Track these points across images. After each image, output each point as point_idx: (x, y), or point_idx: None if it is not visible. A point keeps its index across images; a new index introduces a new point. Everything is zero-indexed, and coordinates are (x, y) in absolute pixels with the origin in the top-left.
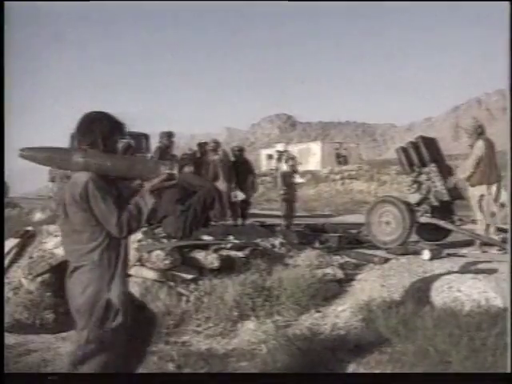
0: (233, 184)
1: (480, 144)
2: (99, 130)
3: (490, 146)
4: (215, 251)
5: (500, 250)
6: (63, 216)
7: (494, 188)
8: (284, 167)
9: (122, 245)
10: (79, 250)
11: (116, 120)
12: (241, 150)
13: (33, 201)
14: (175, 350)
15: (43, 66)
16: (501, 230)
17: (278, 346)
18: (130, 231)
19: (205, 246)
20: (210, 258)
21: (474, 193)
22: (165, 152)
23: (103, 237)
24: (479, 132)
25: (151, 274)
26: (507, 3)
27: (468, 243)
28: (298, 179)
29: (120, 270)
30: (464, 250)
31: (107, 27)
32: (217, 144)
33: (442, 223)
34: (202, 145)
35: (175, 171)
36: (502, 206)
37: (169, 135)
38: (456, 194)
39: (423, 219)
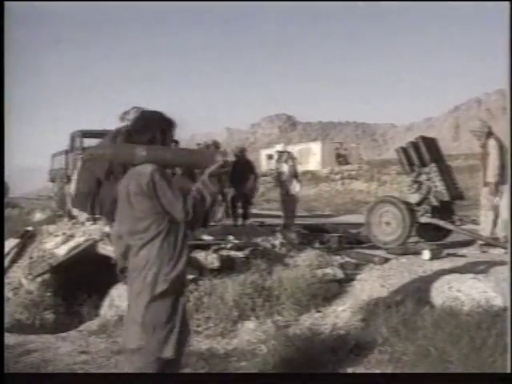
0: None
1: (493, 143)
2: (157, 126)
3: (500, 145)
4: (215, 251)
5: (503, 249)
6: (126, 205)
7: (505, 188)
8: (285, 167)
9: (181, 230)
10: (142, 236)
11: (168, 117)
12: (242, 150)
13: (33, 201)
14: None
15: (43, 65)
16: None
17: (278, 345)
18: (195, 215)
19: (205, 246)
20: (210, 258)
21: (485, 193)
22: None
23: (165, 223)
24: (488, 132)
25: None
26: (507, 3)
27: (468, 243)
28: (295, 187)
29: (178, 253)
30: (464, 250)
31: (107, 27)
32: (217, 145)
33: (442, 223)
34: (200, 146)
35: (229, 158)
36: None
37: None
38: (456, 193)
39: (423, 219)
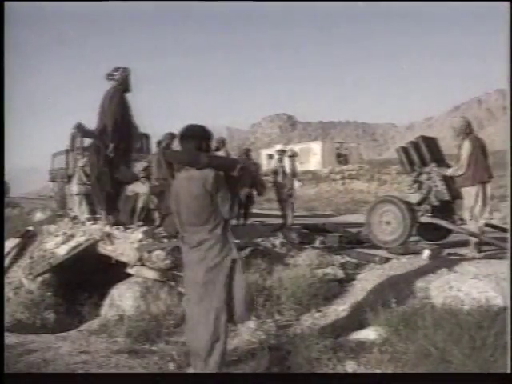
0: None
1: (466, 145)
2: (202, 136)
3: (478, 145)
4: None
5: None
6: (189, 201)
7: (487, 188)
8: (286, 167)
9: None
10: (200, 229)
11: (209, 130)
12: (247, 151)
13: (33, 201)
14: (176, 349)
15: (43, 65)
16: (502, 230)
17: (279, 345)
18: (235, 216)
19: None
20: None
21: (465, 193)
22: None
23: (220, 217)
24: (467, 132)
25: (152, 274)
26: (507, 3)
27: (468, 243)
28: (296, 184)
29: (231, 242)
30: (465, 250)
31: (107, 27)
32: (222, 141)
33: (442, 223)
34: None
35: (244, 164)
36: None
37: (172, 135)
38: (456, 193)
39: (424, 219)
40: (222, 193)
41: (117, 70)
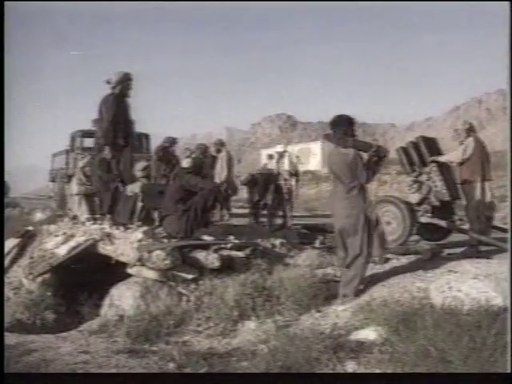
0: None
1: (470, 141)
2: (348, 123)
3: (480, 145)
4: (216, 251)
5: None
6: (335, 168)
7: (486, 187)
8: (286, 167)
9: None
10: (339, 190)
11: (352, 118)
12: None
13: (33, 201)
14: (176, 349)
15: (43, 65)
16: (501, 230)
17: (279, 345)
18: (370, 181)
19: (205, 246)
20: (210, 258)
21: (463, 192)
22: (166, 152)
23: (357, 181)
24: (468, 130)
25: (152, 274)
26: (507, 3)
27: (467, 243)
28: (293, 182)
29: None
30: (465, 250)
31: (107, 27)
32: (222, 143)
33: (442, 223)
34: (201, 146)
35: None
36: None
37: (173, 140)
38: (456, 193)
39: (424, 219)
40: (360, 166)
41: (116, 74)
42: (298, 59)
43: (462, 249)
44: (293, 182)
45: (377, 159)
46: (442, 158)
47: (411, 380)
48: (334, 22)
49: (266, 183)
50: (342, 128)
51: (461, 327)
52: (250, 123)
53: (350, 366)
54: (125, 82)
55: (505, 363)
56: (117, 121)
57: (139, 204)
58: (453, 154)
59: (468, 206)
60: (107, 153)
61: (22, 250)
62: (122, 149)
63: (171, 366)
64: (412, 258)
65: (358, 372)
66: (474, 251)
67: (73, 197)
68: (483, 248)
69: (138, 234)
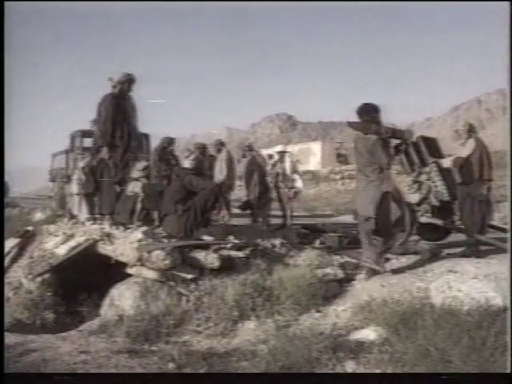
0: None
1: (471, 142)
2: (375, 110)
3: (482, 146)
4: (215, 251)
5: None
6: (359, 151)
7: (484, 188)
8: (287, 167)
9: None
10: (365, 178)
11: (377, 106)
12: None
13: (33, 201)
14: (176, 349)
15: (43, 65)
16: (501, 230)
17: (279, 345)
18: (390, 166)
19: (205, 246)
20: (210, 258)
21: (462, 191)
22: (165, 152)
23: (376, 165)
24: (469, 131)
25: (151, 274)
26: (507, 3)
27: (467, 243)
28: (298, 183)
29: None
30: (464, 250)
31: (107, 27)
32: (222, 143)
33: (442, 223)
34: (200, 145)
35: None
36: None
37: (171, 140)
38: (456, 193)
39: (423, 219)
40: (379, 150)
41: (120, 74)
42: (298, 59)
43: (462, 249)
44: (297, 181)
45: (401, 142)
46: (445, 164)
47: (411, 380)
48: (335, 22)
49: (249, 169)
50: (369, 115)
51: (461, 327)
52: (250, 123)
53: (350, 366)
54: (126, 82)
55: (505, 363)
56: (115, 121)
57: (139, 204)
58: (455, 160)
59: (467, 206)
60: (105, 153)
61: (21, 249)
62: (118, 149)
63: (171, 366)
64: (412, 257)
65: (357, 372)
66: (474, 251)
67: (73, 197)
68: (483, 248)
69: (137, 233)
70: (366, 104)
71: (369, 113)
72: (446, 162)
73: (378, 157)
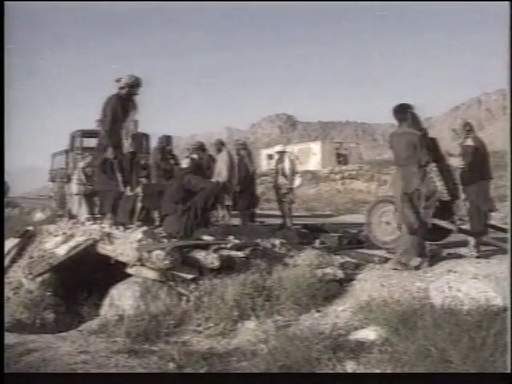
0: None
1: (469, 141)
2: (409, 108)
3: (480, 145)
4: (215, 251)
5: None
6: (398, 146)
7: (484, 186)
8: (286, 167)
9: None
10: (407, 170)
11: (410, 105)
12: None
13: (33, 201)
14: (176, 349)
15: (43, 65)
16: (501, 230)
17: (279, 345)
18: (428, 162)
19: (205, 246)
20: (210, 258)
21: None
22: (164, 152)
23: (418, 160)
24: (468, 130)
25: (151, 274)
26: (507, 3)
27: (468, 243)
28: (296, 181)
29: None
30: (464, 250)
31: (107, 27)
32: (222, 143)
33: (442, 223)
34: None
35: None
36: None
37: (168, 138)
38: (456, 193)
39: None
40: (423, 147)
41: (128, 76)
42: (298, 59)
43: (462, 249)
44: (296, 181)
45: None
46: (454, 164)
47: (411, 380)
48: (335, 22)
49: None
50: (402, 112)
51: (460, 327)
52: (250, 123)
53: (350, 366)
54: (134, 86)
55: (505, 363)
56: (120, 121)
57: (139, 204)
58: (465, 147)
59: (472, 206)
60: (110, 153)
61: (21, 249)
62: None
63: (171, 366)
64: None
65: (357, 372)
66: (474, 251)
67: (73, 197)
68: (483, 248)
69: (137, 233)
70: (402, 104)
71: (404, 111)
72: (455, 162)
73: (418, 153)
